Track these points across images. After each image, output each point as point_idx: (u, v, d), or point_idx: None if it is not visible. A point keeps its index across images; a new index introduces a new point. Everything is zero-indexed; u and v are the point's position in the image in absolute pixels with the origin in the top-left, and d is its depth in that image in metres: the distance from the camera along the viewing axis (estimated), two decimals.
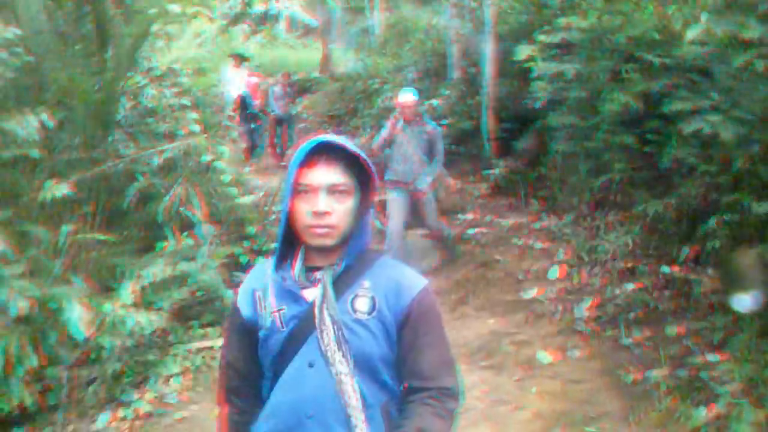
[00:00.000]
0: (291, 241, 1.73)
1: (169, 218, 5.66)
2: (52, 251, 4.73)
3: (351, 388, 1.61)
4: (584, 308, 4.96)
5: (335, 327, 1.62)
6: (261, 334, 1.72)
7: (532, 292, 5.44)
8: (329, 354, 1.62)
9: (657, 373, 4.00)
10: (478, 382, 4.28)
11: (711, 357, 3.97)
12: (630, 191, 5.54)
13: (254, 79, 11.68)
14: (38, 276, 4.31)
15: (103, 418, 4.03)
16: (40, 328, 4.08)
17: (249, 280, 1.83)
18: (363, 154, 1.67)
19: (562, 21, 5.71)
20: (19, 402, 3.79)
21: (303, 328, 1.67)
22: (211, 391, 4.17)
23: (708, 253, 4.50)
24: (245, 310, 1.77)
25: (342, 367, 1.62)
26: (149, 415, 4.04)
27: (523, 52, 6.14)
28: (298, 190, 1.65)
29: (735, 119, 3.78)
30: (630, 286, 4.94)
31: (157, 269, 4.96)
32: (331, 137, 1.66)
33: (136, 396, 4.20)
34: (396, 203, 6.11)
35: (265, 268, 1.80)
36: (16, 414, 3.83)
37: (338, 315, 1.63)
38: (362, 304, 1.67)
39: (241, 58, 11.88)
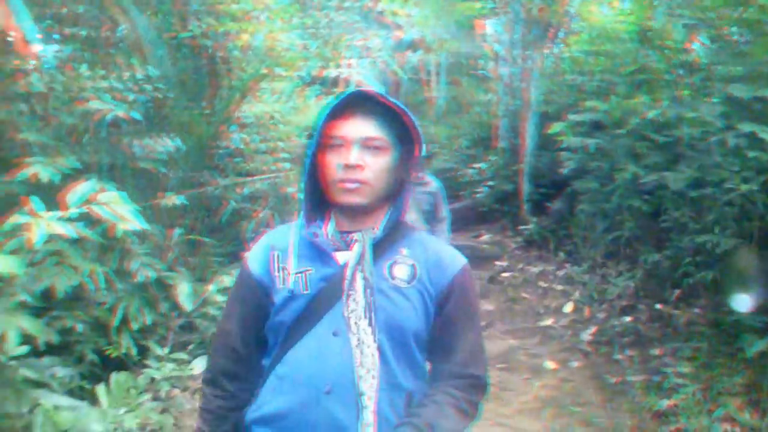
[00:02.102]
0: (319, 203, 1.61)
1: (255, 235, 6.96)
2: (163, 247, 6.01)
3: (371, 361, 1.47)
4: (587, 333, 6.03)
5: (367, 291, 1.50)
6: (276, 298, 1.58)
7: (547, 321, 6.55)
8: (352, 321, 1.49)
9: (635, 378, 5.04)
10: (493, 377, 5.39)
11: (680, 368, 5.00)
12: (636, 245, 6.65)
13: None
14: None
15: (198, 363, 5.15)
16: (155, 297, 5.31)
17: (266, 239, 1.68)
18: (405, 108, 1.52)
19: (589, 104, 6.93)
20: (126, 351, 4.66)
21: (331, 292, 1.53)
22: None
23: (686, 291, 5.58)
24: (256, 270, 1.63)
25: (366, 336, 1.48)
26: None
27: (557, 127, 7.36)
28: (329, 144, 1.53)
29: (679, 173, 5.00)
30: (626, 319, 6.02)
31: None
32: (368, 88, 1.53)
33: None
34: None
35: (286, 229, 1.67)
36: (120, 360, 4.62)
37: (374, 278, 1.51)
38: (401, 271, 1.55)
39: None
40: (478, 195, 10.25)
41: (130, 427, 3.45)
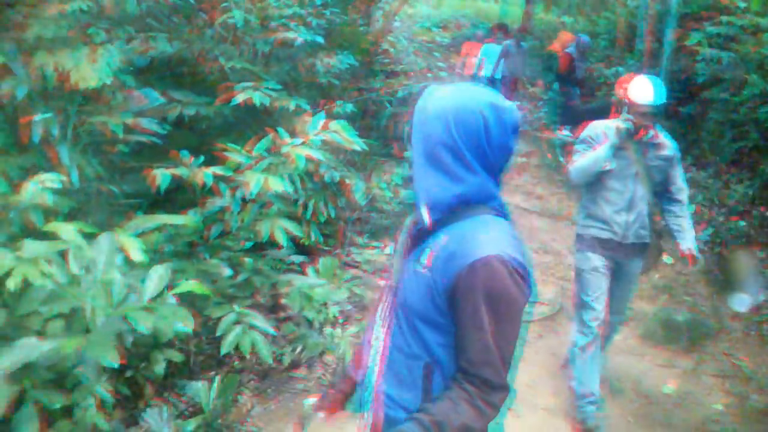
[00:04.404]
0: None
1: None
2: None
3: (379, 333, 1.75)
4: (707, 234, 6.82)
5: (394, 274, 1.74)
6: None
7: None
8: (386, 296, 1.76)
9: None
10: None
11: None
12: (758, 155, 7.22)
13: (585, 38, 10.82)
14: None
15: (366, 254, 6.39)
16: (334, 194, 6.50)
17: None
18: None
19: (725, 18, 7.35)
20: (311, 239, 5.68)
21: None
22: None
23: None
24: None
25: (381, 310, 1.77)
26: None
27: (694, 38, 7.83)
28: None
29: None
30: (741, 223, 6.75)
31: (401, 170, 7.35)
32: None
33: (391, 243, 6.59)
34: (596, 279, 3.81)
35: None
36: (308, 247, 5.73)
37: (399, 260, 1.74)
38: (427, 257, 1.62)
39: (501, 27, 11.65)
40: (612, 96, 10.75)
41: (341, 298, 4.71)
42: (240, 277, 3.88)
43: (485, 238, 1.55)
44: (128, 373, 3.38)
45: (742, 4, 6.65)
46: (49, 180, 2.47)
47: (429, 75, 8.92)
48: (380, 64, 9.36)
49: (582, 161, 3.70)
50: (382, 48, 9.60)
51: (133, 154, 4.14)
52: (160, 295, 2.30)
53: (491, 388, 1.54)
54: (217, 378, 3.56)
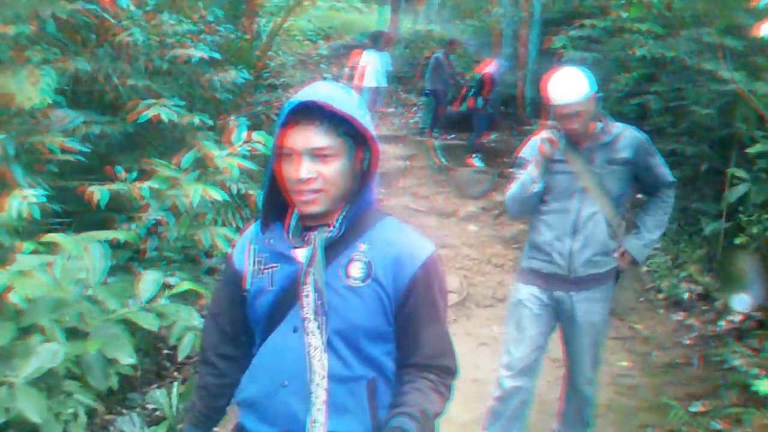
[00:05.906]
0: (282, 200, 1.62)
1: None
2: None
3: (318, 363, 1.54)
4: None
5: (317, 294, 1.54)
6: (249, 291, 1.66)
7: None
8: (306, 323, 1.55)
9: None
10: (509, 255, 6.87)
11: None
12: None
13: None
14: None
15: None
16: (239, 205, 6.62)
17: (247, 232, 1.74)
18: (350, 111, 1.49)
19: (587, 22, 8.07)
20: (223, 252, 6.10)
21: (292, 290, 1.58)
22: None
23: None
24: (236, 260, 1.72)
25: (314, 338, 1.55)
26: None
27: (559, 41, 8.52)
28: (282, 153, 1.53)
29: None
30: None
31: None
32: (313, 92, 1.49)
33: None
34: (528, 317, 3.18)
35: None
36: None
37: (323, 281, 1.54)
38: (356, 270, 1.56)
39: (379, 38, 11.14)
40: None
41: None
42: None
43: (416, 237, 1.65)
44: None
45: (624, 14, 7.31)
46: (32, 195, 2.52)
47: None
48: (262, 78, 9.54)
49: (511, 189, 3.11)
50: (265, 63, 9.79)
51: (60, 173, 4.17)
52: (154, 298, 2.43)
53: (449, 374, 1.64)
54: (176, 384, 3.65)
